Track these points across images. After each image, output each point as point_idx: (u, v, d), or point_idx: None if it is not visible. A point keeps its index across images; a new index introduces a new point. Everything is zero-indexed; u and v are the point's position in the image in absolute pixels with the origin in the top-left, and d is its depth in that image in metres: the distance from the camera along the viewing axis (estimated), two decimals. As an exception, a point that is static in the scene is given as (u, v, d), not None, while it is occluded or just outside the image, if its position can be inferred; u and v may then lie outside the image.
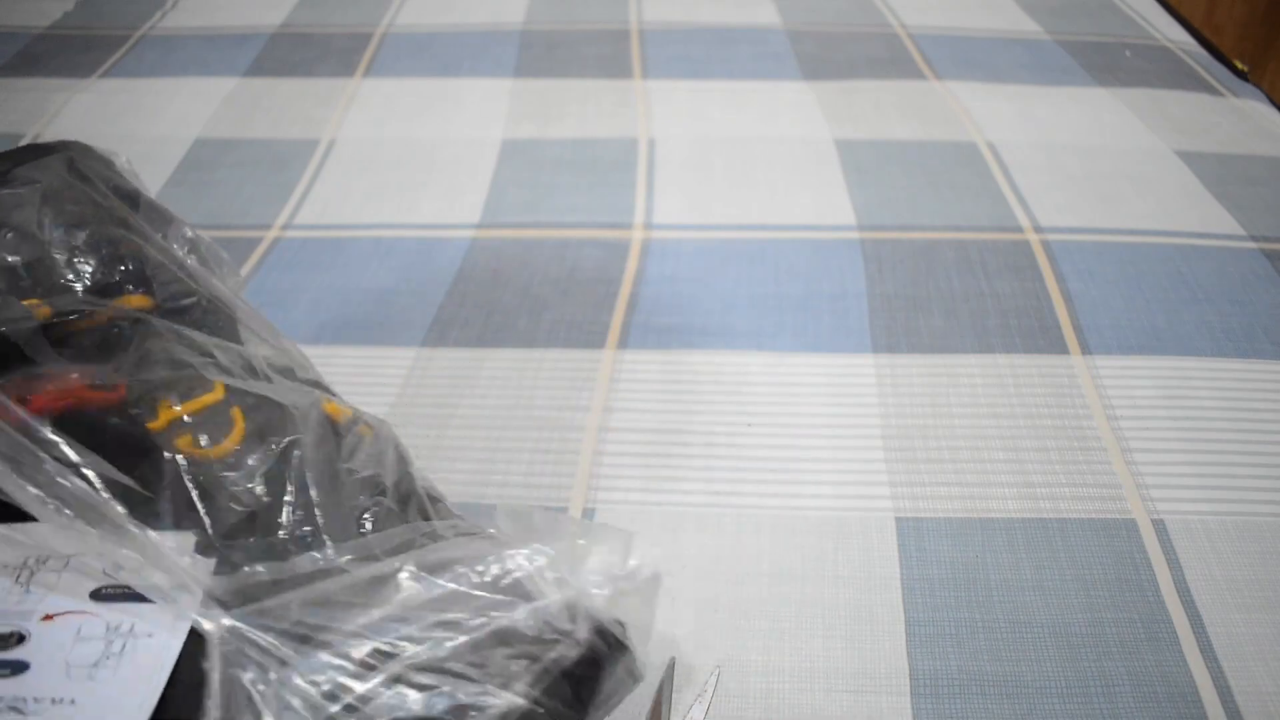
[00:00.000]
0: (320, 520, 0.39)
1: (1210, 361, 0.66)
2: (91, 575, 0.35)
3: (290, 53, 1.10)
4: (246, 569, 0.35)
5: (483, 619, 0.35)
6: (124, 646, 0.33)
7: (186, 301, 0.48)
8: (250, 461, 0.39)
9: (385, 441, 0.45)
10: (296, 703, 0.32)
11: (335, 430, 0.43)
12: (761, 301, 0.72)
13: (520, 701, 0.34)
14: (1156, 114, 0.98)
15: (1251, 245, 0.78)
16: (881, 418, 0.63)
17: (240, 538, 0.37)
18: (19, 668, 0.32)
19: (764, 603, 0.52)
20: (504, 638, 0.35)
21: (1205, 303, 0.72)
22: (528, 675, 0.35)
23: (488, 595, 0.36)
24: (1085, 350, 0.68)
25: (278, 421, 0.41)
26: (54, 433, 0.37)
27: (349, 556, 0.37)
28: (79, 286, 0.46)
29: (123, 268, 0.47)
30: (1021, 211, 0.82)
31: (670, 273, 0.75)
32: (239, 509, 0.38)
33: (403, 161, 0.90)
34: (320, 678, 0.33)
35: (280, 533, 0.38)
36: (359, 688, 0.33)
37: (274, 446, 0.40)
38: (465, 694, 0.33)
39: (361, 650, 0.33)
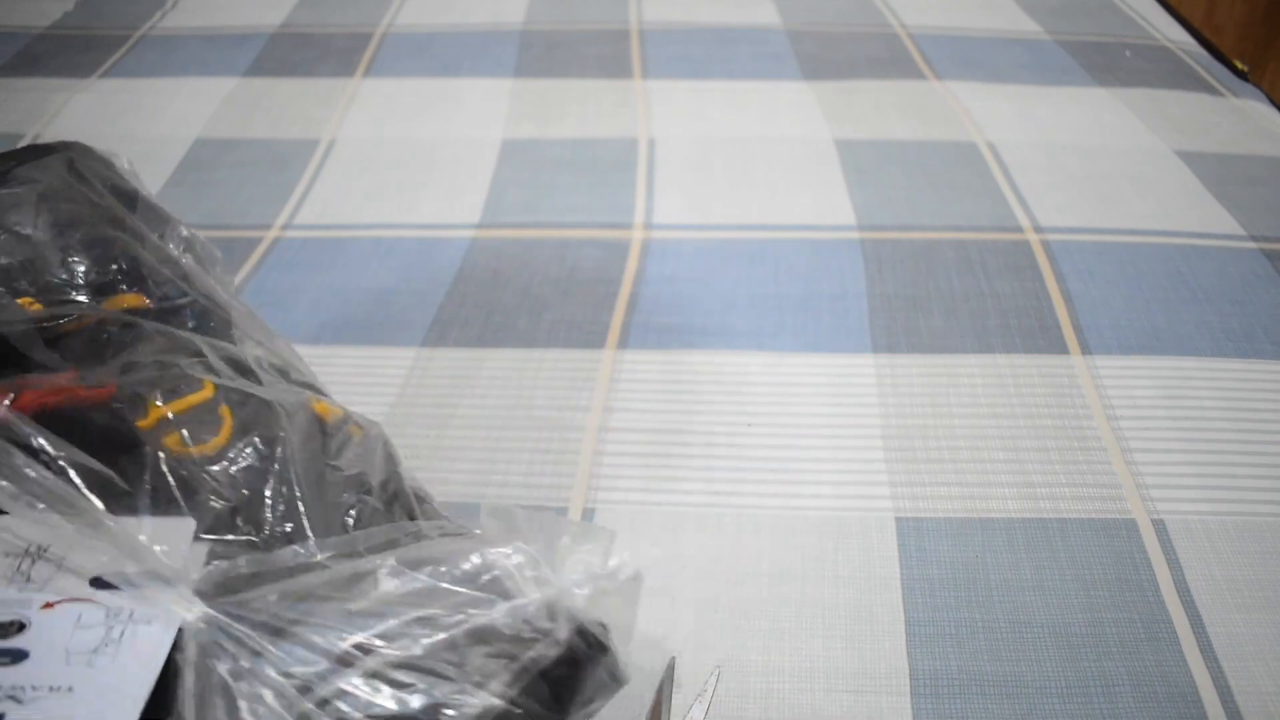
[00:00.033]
0: (303, 516, 0.39)
1: (1210, 361, 0.66)
2: (94, 562, 0.35)
3: (290, 53, 1.10)
4: (226, 562, 0.35)
5: (460, 616, 0.35)
6: (123, 633, 0.33)
7: (180, 301, 0.48)
8: (235, 457, 0.39)
9: (374, 441, 0.45)
10: (270, 695, 0.32)
11: (323, 429, 0.43)
12: (761, 301, 0.72)
13: (497, 702, 0.34)
14: (1156, 114, 0.98)
15: (1251, 245, 0.78)
16: (881, 418, 0.63)
17: (223, 533, 0.37)
18: (18, 656, 0.33)
19: (764, 603, 0.52)
20: (482, 636, 0.35)
21: (1205, 303, 0.72)
22: (505, 675, 0.34)
23: (466, 592, 0.36)
24: (1085, 350, 0.68)
25: (266, 420, 0.41)
26: (30, 424, 0.37)
27: (330, 552, 0.37)
28: (72, 286, 0.46)
29: (116, 267, 0.47)
30: (1021, 211, 0.82)
31: (670, 273, 0.75)
32: (222, 504, 0.38)
33: (403, 161, 0.90)
34: (295, 671, 0.32)
35: (263, 528, 0.38)
36: (334, 683, 0.33)
37: (260, 442, 0.40)
38: (441, 692, 0.33)
39: (338, 645, 0.33)
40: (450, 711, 0.33)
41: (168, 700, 0.32)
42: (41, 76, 1.05)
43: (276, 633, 0.33)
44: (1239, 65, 1.13)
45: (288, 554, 0.36)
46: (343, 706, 0.32)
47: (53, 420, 0.38)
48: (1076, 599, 0.52)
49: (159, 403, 0.40)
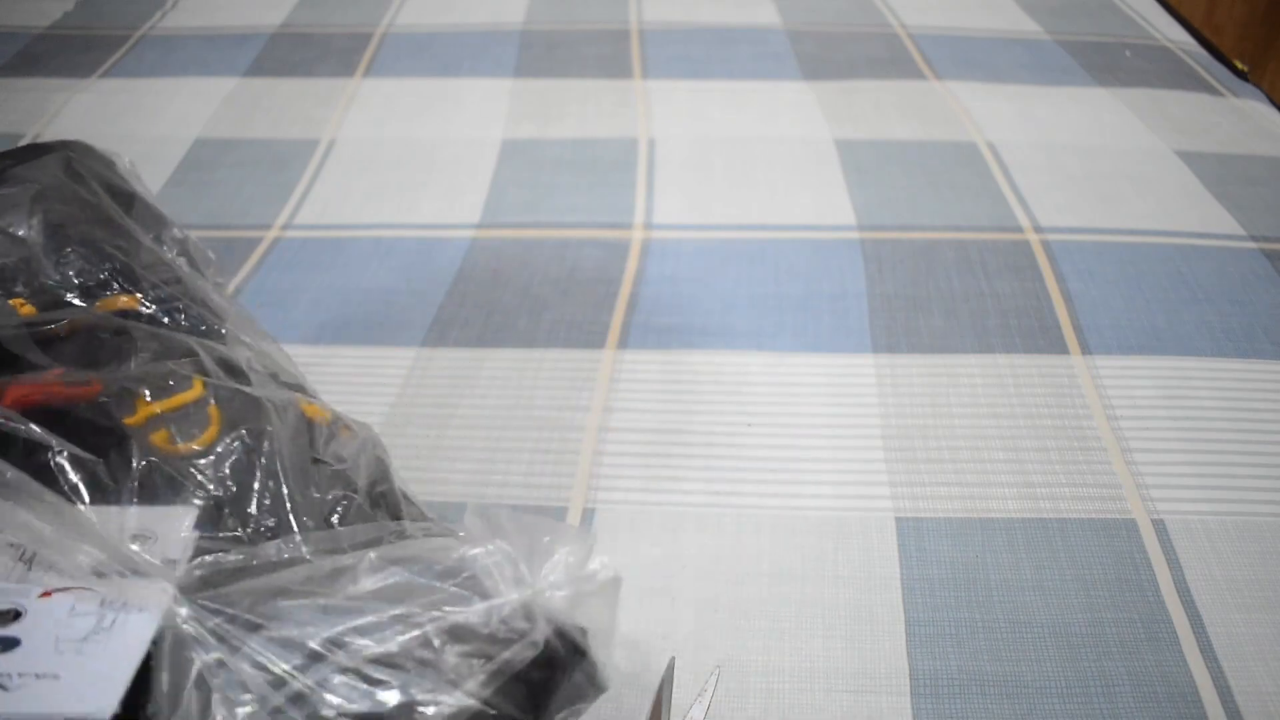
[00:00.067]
0: (289, 512, 0.39)
1: (1210, 361, 0.66)
2: (72, 559, 0.35)
3: (290, 53, 1.10)
4: (210, 557, 0.36)
5: (437, 614, 0.34)
6: (114, 621, 0.34)
7: (172, 303, 0.48)
8: (222, 451, 0.39)
9: (363, 443, 0.45)
10: (245, 689, 0.32)
11: (311, 428, 0.43)
12: (761, 301, 0.72)
13: (471, 702, 0.33)
14: (1156, 114, 0.98)
15: (1251, 245, 0.78)
16: (881, 418, 0.63)
17: (209, 527, 0.37)
18: (10, 644, 0.33)
19: (764, 603, 0.52)
20: (458, 635, 0.34)
21: (1205, 303, 0.72)
22: (480, 675, 0.34)
23: (443, 589, 0.35)
24: (1085, 350, 0.68)
25: (253, 417, 0.41)
26: (18, 418, 0.37)
27: (314, 548, 0.37)
28: (65, 288, 0.46)
29: (110, 269, 0.48)
30: (1021, 211, 0.82)
31: (670, 273, 0.75)
32: (208, 498, 0.38)
33: (403, 161, 0.90)
34: (271, 664, 0.32)
35: (249, 523, 0.38)
36: (309, 677, 0.32)
37: (247, 437, 0.40)
38: (416, 690, 0.33)
39: (314, 639, 0.33)
40: (425, 710, 0.33)
41: (150, 688, 0.32)
42: (41, 76, 1.05)
43: (254, 628, 0.33)
44: (1239, 65, 1.13)
45: (272, 549, 0.36)
46: (317, 701, 0.32)
47: (38, 416, 0.38)
48: (1076, 599, 0.52)
49: (148, 399, 0.40)
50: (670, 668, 0.47)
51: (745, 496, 0.58)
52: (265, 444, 0.40)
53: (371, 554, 0.36)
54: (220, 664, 0.32)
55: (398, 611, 0.34)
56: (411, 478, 0.58)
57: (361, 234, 0.80)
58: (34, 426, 0.37)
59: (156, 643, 0.33)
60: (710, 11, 1.21)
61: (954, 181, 0.86)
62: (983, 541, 0.55)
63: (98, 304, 0.46)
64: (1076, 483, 0.58)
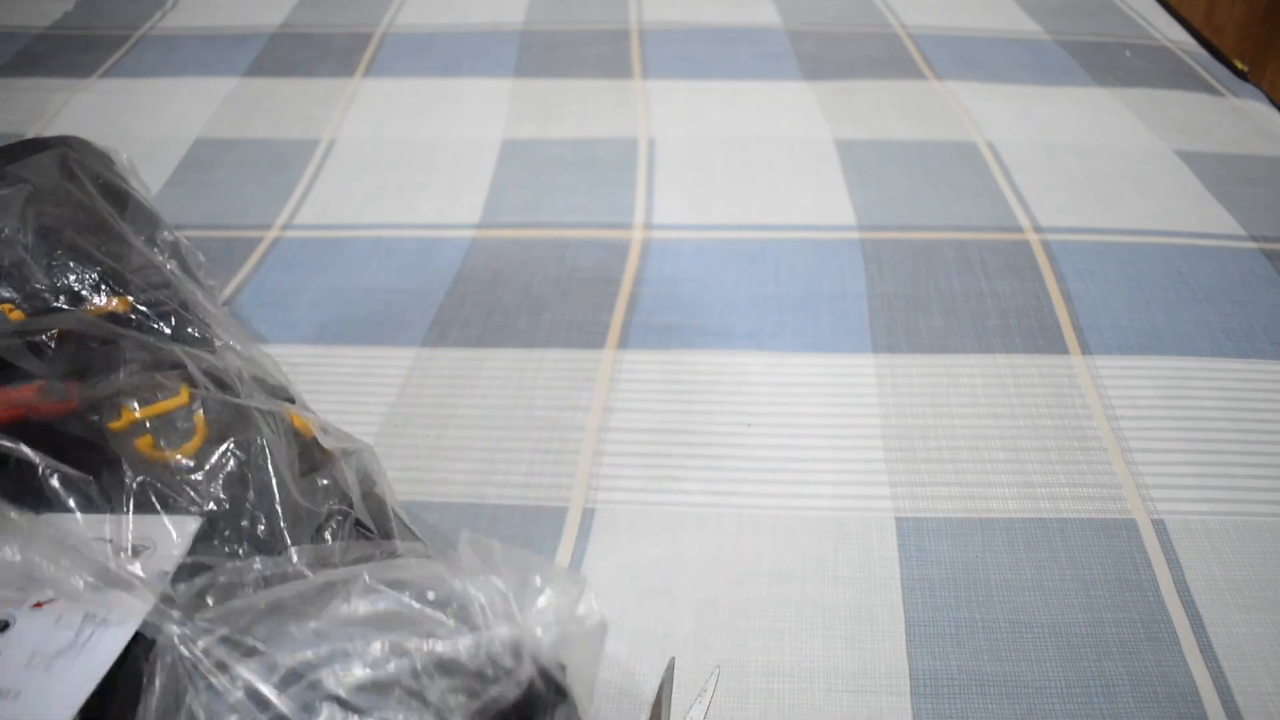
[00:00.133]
0: (275, 527, 0.39)
1: (1210, 361, 0.66)
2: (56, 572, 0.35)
3: (290, 53, 1.10)
4: (204, 575, 0.35)
5: (426, 645, 0.35)
6: (89, 636, 0.33)
7: (161, 307, 0.48)
8: (212, 463, 0.39)
9: (352, 456, 0.45)
10: (233, 709, 0.32)
11: (298, 441, 0.43)
12: (761, 301, 0.72)
13: None
14: (1156, 114, 0.98)
15: (1251, 245, 0.78)
16: (881, 418, 0.63)
17: (201, 539, 0.37)
18: None
19: (764, 603, 0.52)
20: (446, 667, 0.34)
21: (1205, 303, 0.72)
22: (465, 711, 0.34)
23: (434, 620, 0.35)
24: (1085, 350, 0.68)
25: (241, 427, 0.41)
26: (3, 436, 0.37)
27: (304, 562, 0.37)
28: (55, 292, 0.46)
29: (100, 273, 0.47)
30: (1021, 211, 0.82)
31: (670, 273, 0.75)
32: (201, 510, 0.38)
33: (403, 161, 0.90)
34: (258, 688, 0.32)
35: (240, 535, 0.38)
36: (295, 701, 0.32)
37: (233, 451, 0.40)
38: None
39: (302, 663, 0.33)
40: None
41: (119, 706, 0.32)
42: (41, 76, 1.05)
43: (241, 648, 0.33)
44: (1239, 65, 1.13)
45: (263, 563, 0.36)
46: None
47: (23, 427, 0.38)
48: (1076, 599, 0.52)
49: (134, 408, 0.40)
50: (670, 668, 0.47)
51: (745, 496, 0.58)
52: (256, 455, 0.40)
53: (365, 576, 0.36)
54: (209, 685, 0.32)
55: (388, 639, 0.34)
56: (411, 478, 0.58)
57: (361, 234, 0.80)
58: (24, 447, 0.37)
59: (147, 659, 0.33)
60: (710, 11, 1.21)
61: (954, 181, 0.86)
62: (983, 541, 0.55)
63: (87, 309, 0.46)
64: (1076, 483, 0.58)
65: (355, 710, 0.33)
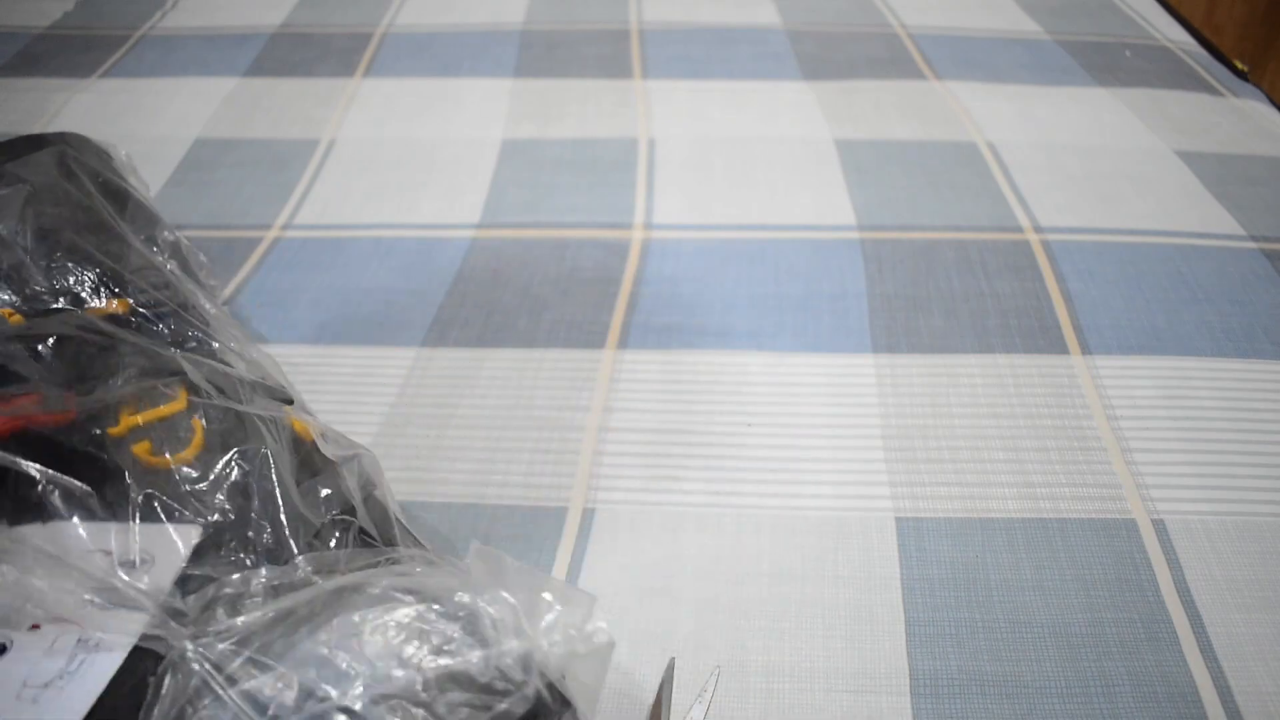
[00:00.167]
0: (280, 536, 0.38)
1: (1210, 361, 0.66)
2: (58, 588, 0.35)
3: (290, 53, 1.10)
4: (211, 586, 0.35)
5: (437, 658, 0.35)
6: (81, 663, 0.33)
7: (161, 309, 0.48)
8: (211, 475, 0.39)
9: (354, 461, 0.44)
10: None
11: (299, 446, 0.43)
12: (761, 301, 0.72)
13: None
14: (1156, 114, 0.98)
15: (1251, 245, 0.78)
16: (881, 418, 0.63)
17: (203, 549, 0.37)
18: None
19: (764, 603, 0.52)
20: (456, 681, 0.34)
21: (1205, 303, 0.72)
22: None
23: (445, 633, 0.35)
24: (1085, 350, 0.68)
25: (239, 434, 0.41)
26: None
27: (309, 571, 0.37)
28: (54, 294, 0.46)
29: (99, 275, 0.47)
30: (1021, 211, 0.82)
31: (670, 272, 0.75)
32: (203, 520, 0.38)
33: (403, 161, 0.90)
34: (267, 702, 0.32)
35: (238, 546, 0.38)
36: (305, 715, 0.32)
37: (232, 458, 0.40)
38: None
39: (310, 675, 0.33)
40: None
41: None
42: (41, 76, 1.05)
43: (250, 660, 0.33)
44: (1239, 65, 1.13)
45: (270, 573, 0.36)
46: None
47: (22, 438, 0.38)
48: (1076, 599, 0.52)
49: (132, 413, 0.40)
50: (670, 668, 0.47)
51: (745, 496, 0.58)
52: (257, 462, 0.40)
53: (374, 585, 0.36)
54: (216, 698, 0.32)
55: (398, 651, 0.34)
56: (411, 478, 0.58)
57: (361, 234, 0.80)
58: (20, 461, 0.37)
59: (156, 674, 0.33)
60: (710, 11, 1.21)
61: (954, 181, 0.86)
62: (983, 541, 0.55)
63: (86, 311, 0.46)
64: (1076, 483, 0.58)
65: None
